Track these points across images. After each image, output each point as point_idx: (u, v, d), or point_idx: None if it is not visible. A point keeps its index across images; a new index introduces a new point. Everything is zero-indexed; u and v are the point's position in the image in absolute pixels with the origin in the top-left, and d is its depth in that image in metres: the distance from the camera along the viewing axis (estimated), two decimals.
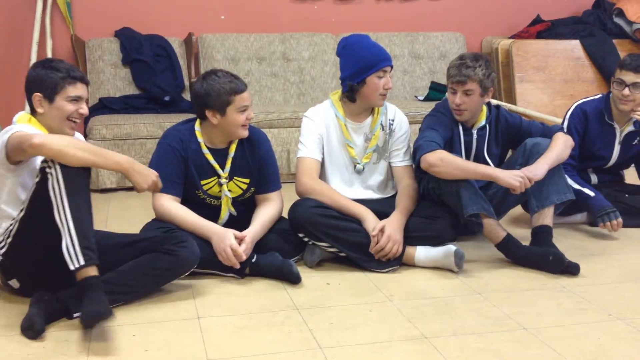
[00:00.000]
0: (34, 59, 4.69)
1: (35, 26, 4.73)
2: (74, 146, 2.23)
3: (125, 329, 2.23)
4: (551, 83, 5.09)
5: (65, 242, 2.15)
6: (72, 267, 2.15)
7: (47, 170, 2.21)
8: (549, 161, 2.88)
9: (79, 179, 2.23)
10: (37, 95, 2.41)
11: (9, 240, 2.34)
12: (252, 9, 5.23)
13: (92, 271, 2.17)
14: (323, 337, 2.20)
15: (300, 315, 2.38)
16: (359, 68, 2.88)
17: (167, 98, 4.72)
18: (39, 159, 2.35)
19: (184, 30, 5.06)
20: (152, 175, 2.40)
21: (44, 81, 2.40)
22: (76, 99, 2.42)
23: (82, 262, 2.15)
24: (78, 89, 2.42)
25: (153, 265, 2.42)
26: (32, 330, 2.16)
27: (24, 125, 2.38)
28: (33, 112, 2.45)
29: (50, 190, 2.19)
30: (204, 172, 2.79)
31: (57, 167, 2.19)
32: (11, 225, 2.34)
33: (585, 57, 5.21)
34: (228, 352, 2.10)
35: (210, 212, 2.80)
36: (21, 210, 2.31)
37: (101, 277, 2.33)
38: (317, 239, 2.79)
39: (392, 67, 2.93)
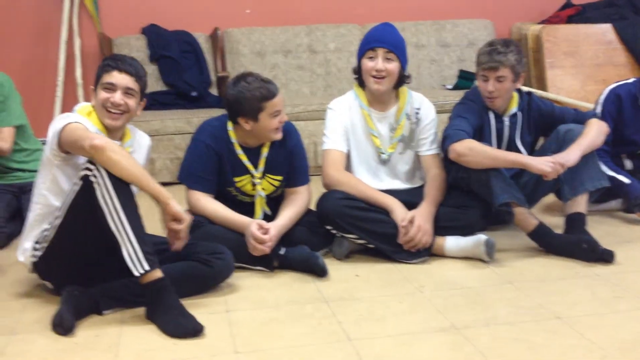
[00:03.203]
0: (62, 58, 4.74)
1: (63, 25, 4.78)
2: (129, 161, 2.23)
3: None
4: (582, 68, 4.98)
5: (127, 250, 2.16)
6: (136, 274, 2.16)
7: (93, 179, 2.18)
8: (582, 147, 2.82)
9: (126, 185, 2.22)
10: (91, 88, 2.46)
11: (46, 245, 2.34)
12: (277, 1, 5.22)
13: (158, 273, 2.19)
14: (352, 329, 2.18)
15: (329, 307, 2.36)
16: (358, 51, 2.93)
17: (194, 93, 4.74)
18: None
19: (210, 25, 5.07)
20: (187, 217, 2.35)
21: (97, 72, 2.45)
22: (109, 87, 2.40)
23: (147, 268, 2.16)
24: (111, 77, 2.41)
25: (188, 273, 2.40)
26: (62, 326, 2.17)
27: (82, 117, 2.37)
28: None
29: (100, 200, 2.17)
30: (238, 170, 2.79)
31: (105, 175, 2.17)
32: (47, 230, 2.34)
33: (617, 40, 5.08)
34: (256, 345, 2.09)
35: (242, 209, 2.79)
36: (57, 217, 2.30)
37: (134, 277, 2.33)
38: (345, 231, 2.77)
39: (389, 50, 2.82)
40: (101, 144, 2.17)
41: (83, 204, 2.22)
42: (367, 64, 2.86)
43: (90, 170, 2.20)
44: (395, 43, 2.87)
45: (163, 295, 2.19)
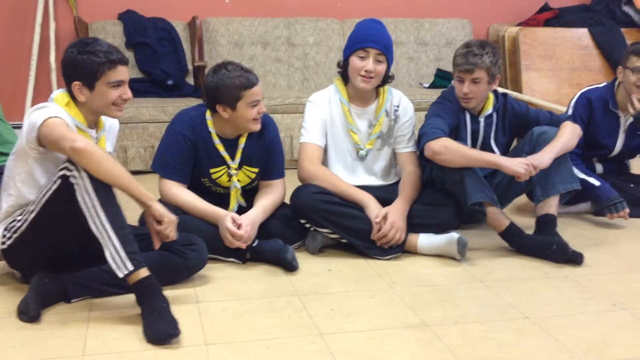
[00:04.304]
0: (36, 41, 4.67)
1: (39, 8, 4.70)
2: (110, 163, 2.17)
3: (125, 313, 2.22)
4: (558, 72, 5.04)
5: (109, 251, 2.10)
6: (120, 275, 2.10)
7: (73, 180, 2.13)
8: (556, 149, 2.84)
9: (107, 185, 2.17)
10: (76, 84, 2.29)
11: (16, 235, 2.29)
12: None
13: (144, 272, 2.13)
14: (323, 323, 2.18)
15: (301, 301, 2.36)
16: (346, 47, 2.91)
17: (170, 82, 4.70)
18: None
19: (188, 13, 5.02)
20: (172, 217, 2.31)
21: (82, 68, 2.27)
22: (118, 84, 2.31)
23: (131, 268, 2.11)
24: (119, 73, 2.30)
25: (162, 263, 2.36)
26: (27, 314, 2.15)
27: (61, 109, 2.28)
28: (73, 98, 2.33)
29: (80, 202, 2.12)
30: (214, 161, 2.77)
31: (84, 176, 2.12)
32: (19, 221, 2.29)
33: (593, 45, 5.15)
34: (227, 337, 2.08)
35: (216, 199, 2.77)
36: (30, 211, 2.25)
37: (104, 266, 2.30)
38: (319, 225, 2.77)
39: (381, 52, 2.82)
40: (82, 147, 2.11)
41: (60, 203, 2.18)
42: (357, 63, 2.83)
43: (70, 170, 2.15)
44: (387, 44, 2.86)
45: (147, 295, 2.14)
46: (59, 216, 2.20)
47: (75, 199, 2.13)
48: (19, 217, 2.30)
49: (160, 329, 2.05)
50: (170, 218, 2.28)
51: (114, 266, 2.11)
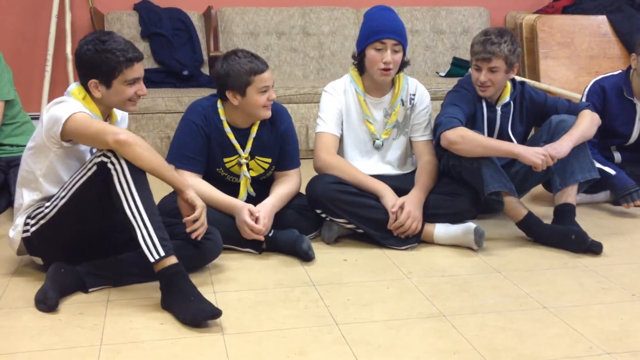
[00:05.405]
0: (52, 32, 4.68)
1: None
2: (151, 152, 2.21)
3: (141, 303, 2.23)
4: (576, 59, 4.98)
5: (142, 235, 2.14)
6: (152, 260, 2.14)
7: (110, 166, 2.17)
8: (574, 138, 2.81)
9: (142, 172, 2.22)
10: (92, 82, 2.31)
11: (43, 222, 2.31)
12: None
13: (173, 259, 2.16)
14: (339, 313, 2.18)
15: (317, 291, 2.36)
16: (360, 38, 2.87)
17: (185, 72, 4.70)
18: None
19: (203, 3, 5.02)
20: (201, 204, 2.34)
21: (99, 67, 2.29)
22: (134, 81, 2.34)
23: (163, 254, 2.14)
24: (135, 71, 2.33)
25: (177, 252, 2.33)
26: (45, 303, 2.16)
27: (80, 104, 2.30)
28: (88, 91, 2.35)
29: (117, 186, 2.16)
30: (227, 150, 2.77)
31: (123, 162, 2.17)
32: (47, 207, 2.31)
33: (612, 33, 5.08)
34: (244, 326, 2.08)
35: (229, 189, 2.77)
36: (61, 197, 2.27)
37: (121, 256, 2.34)
38: (335, 215, 2.77)
39: (398, 42, 2.79)
40: (126, 139, 2.16)
41: (94, 188, 2.21)
42: (375, 55, 2.80)
43: (107, 157, 2.18)
44: (402, 32, 2.83)
45: (179, 281, 2.16)
46: (90, 202, 2.24)
47: (110, 185, 2.17)
48: (47, 204, 2.32)
49: (204, 308, 2.08)
50: (201, 203, 2.33)
51: (146, 250, 2.14)
